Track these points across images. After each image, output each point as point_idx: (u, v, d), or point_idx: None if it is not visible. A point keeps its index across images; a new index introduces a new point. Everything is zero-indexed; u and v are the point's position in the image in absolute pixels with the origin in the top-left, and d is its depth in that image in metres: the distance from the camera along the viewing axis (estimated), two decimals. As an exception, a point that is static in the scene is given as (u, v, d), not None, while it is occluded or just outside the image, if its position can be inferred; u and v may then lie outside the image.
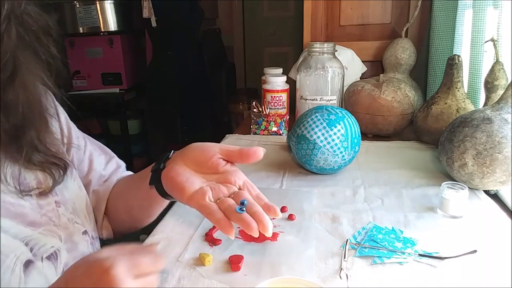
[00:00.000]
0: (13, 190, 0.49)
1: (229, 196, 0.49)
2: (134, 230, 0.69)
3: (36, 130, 0.52)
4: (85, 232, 0.58)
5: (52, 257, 0.51)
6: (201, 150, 0.53)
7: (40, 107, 0.54)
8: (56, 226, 0.53)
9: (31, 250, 0.49)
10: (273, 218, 0.67)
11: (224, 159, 0.52)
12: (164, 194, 0.55)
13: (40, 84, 0.54)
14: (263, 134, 1.15)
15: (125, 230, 0.69)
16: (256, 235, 0.44)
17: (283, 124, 1.15)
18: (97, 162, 0.67)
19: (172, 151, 0.56)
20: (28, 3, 0.49)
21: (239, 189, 0.50)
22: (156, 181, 0.55)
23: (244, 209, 0.46)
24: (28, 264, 0.48)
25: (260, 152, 0.51)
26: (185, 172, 0.52)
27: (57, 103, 0.62)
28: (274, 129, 1.14)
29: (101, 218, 0.66)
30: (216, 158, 0.52)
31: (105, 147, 0.72)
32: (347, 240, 0.60)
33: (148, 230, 0.67)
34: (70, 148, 0.63)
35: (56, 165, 0.55)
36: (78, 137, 0.66)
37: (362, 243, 0.59)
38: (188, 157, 0.53)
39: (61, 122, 0.63)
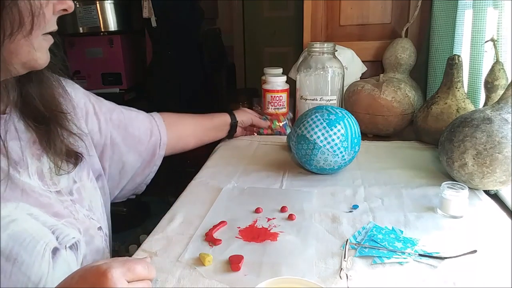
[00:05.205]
0: (37, 183, 0.53)
1: None
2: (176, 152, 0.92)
3: (58, 119, 0.58)
4: (100, 228, 0.61)
5: (74, 247, 0.54)
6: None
7: (56, 102, 0.59)
8: (75, 219, 0.56)
9: (57, 238, 0.52)
10: (274, 218, 0.68)
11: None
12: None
13: (55, 80, 0.59)
14: (267, 134, 1.14)
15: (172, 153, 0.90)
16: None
17: (287, 121, 1.15)
18: (135, 118, 0.81)
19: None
20: None
21: None
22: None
23: None
24: (55, 251, 0.51)
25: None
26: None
27: (80, 88, 0.71)
28: (280, 124, 1.13)
29: (156, 159, 0.84)
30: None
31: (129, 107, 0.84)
32: (347, 240, 0.60)
33: (148, 230, 0.67)
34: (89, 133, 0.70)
35: (74, 151, 0.60)
36: (111, 108, 0.76)
37: (362, 243, 0.59)
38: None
39: (92, 103, 0.73)
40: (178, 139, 0.90)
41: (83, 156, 0.62)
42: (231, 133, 1.04)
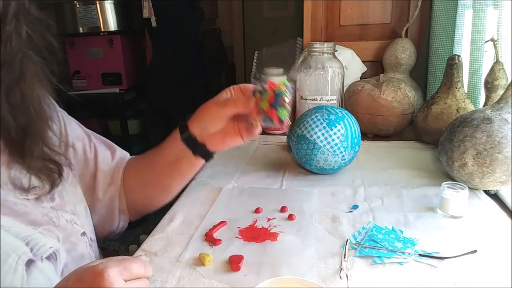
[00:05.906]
0: (11, 192, 0.50)
1: None
2: (148, 210, 0.73)
3: (39, 132, 0.53)
4: (83, 234, 0.58)
5: (52, 257, 0.51)
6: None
7: (43, 109, 0.54)
8: (55, 226, 0.53)
9: (31, 250, 0.49)
10: (274, 218, 0.68)
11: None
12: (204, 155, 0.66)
13: (41, 86, 0.54)
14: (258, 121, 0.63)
15: (140, 210, 0.72)
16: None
17: (285, 93, 0.58)
18: (103, 160, 0.67)
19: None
20: (27, 2, 0.49)
21: None
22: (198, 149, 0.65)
23: None
24: (29, 263, 0.48)
25: None
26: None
27: (55, 104, 0.62)
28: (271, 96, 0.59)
29: (117, 213, 0.68)
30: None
31: (107, 140, 0.72)
32: (347, 240, 0.60)
33: (148, 230, 0.67)
34: (67, 148, 0.63)
35: (51, 170, 0.54)
36: (80, 136, 0.66)
37: (362, 243, 0.59)
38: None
39: (61, 123, 0.63)
40: (132, 206, 0.70)
41: (62, 175, 0.55)
42: (204, 154, 0.66)
